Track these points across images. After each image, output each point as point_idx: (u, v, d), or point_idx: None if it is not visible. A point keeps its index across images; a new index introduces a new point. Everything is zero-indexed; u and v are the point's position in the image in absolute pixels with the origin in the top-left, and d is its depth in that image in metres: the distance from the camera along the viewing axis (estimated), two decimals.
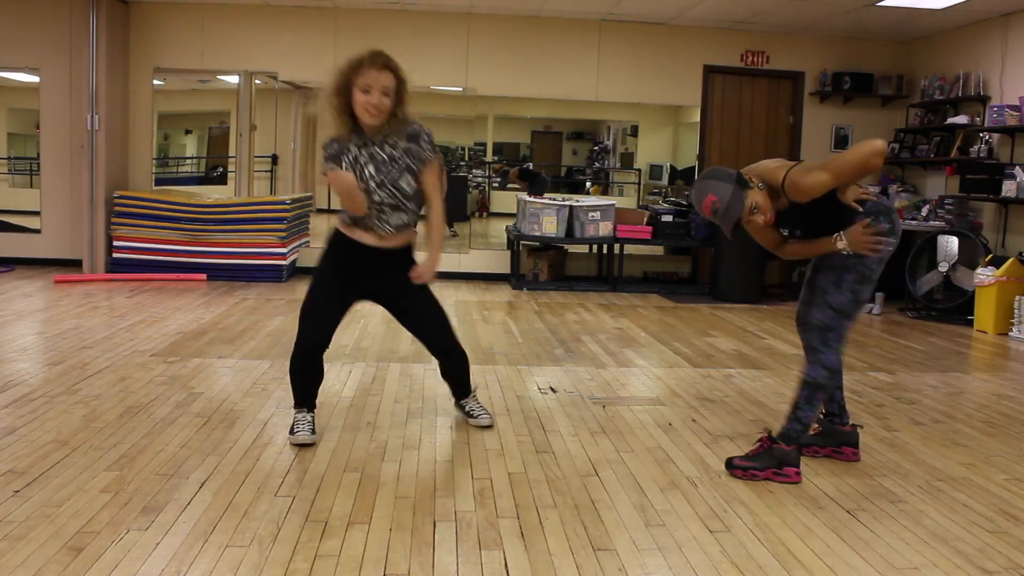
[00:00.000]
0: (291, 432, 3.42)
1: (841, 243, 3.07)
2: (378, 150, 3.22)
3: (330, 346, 3.43)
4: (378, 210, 3.22)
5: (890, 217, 3.09)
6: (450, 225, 9.30)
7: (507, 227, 8.94)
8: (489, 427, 3.71)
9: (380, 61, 3.16)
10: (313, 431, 3.42)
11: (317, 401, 3.61)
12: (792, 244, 3.32)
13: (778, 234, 3.32)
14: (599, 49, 8.68)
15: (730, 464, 3.17)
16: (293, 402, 3.49)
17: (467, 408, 3.78)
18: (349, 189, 3.08)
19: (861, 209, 3.06)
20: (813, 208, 3.08)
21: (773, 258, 7.74)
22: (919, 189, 8.59)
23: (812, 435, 3.44)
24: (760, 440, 3.20)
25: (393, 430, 3.60)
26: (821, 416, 3.43)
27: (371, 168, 3.20)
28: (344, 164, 3.20)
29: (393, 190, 3.21)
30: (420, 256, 3.43)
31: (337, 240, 3.36)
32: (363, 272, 3.34)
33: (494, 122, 9.57)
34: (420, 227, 3.42)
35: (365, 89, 3.14)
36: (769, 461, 3.14)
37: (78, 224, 8.17)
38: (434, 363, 4.81)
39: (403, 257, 3.38)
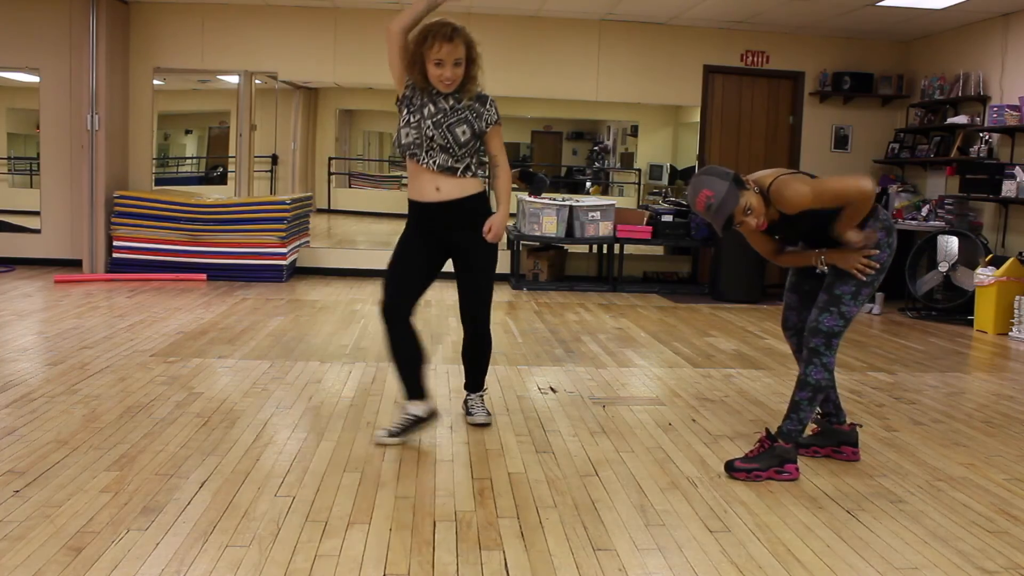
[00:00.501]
0: (389, 434, 3.42)
1: (820, 263, 3.14)
2: (442, 100, 3.42)
3: (414, 310, 3.49)
4: (428, 146, 3.37)
5: (889, 236, 3.13)
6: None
7: (507, 227, 8.93)
8: (484, 425, 3.70)
9: (447, 32, 3.36)
10: (422, 420, 3.44)
11: (319, 400, 3.63)
12: (787, 254, 3.33)
13: (774, 242, 3.33)
14: (599, 49, 8.68)
15: (731, 467, 3.17)
16: (404, 394, 3.50)
17: (469, 404, 3.79)
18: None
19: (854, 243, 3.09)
20: (809, 222, 3.10)
21: None
22: (919, 189, 8.59)
23: (811, 436, 3.45)
24: (760, 440, 3.20)
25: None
26: (818, 417, 3.44)
27: (431, 107, 3.40)
28: (410, 106, 3.43)
29: (447, 132, 3.37)
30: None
31: (409, 208, 3.53)
32: (432, 228, 3.47)
33: None
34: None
35: (438, 63, 3.34)
36: (771, 461, 3.14)
37: (78, 224, 8.17)
38: (434, 363, 4.83)
39: (465, 211, 3.47)
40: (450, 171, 3.40)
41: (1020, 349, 6.03)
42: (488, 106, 3.49)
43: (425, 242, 3.49)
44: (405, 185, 9.96)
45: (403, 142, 3.41)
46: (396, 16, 3.46)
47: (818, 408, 3.39)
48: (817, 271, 3.21)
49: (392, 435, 3.41)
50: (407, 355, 3.48)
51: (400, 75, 3.48)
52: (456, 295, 3.61)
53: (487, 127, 3.47)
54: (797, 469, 3.18)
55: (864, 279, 3.09)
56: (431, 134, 3.36)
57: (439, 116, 3.38)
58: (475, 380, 3.78)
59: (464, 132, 3.40)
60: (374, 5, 8.25)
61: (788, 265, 3.40)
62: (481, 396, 3.81)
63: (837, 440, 3.42)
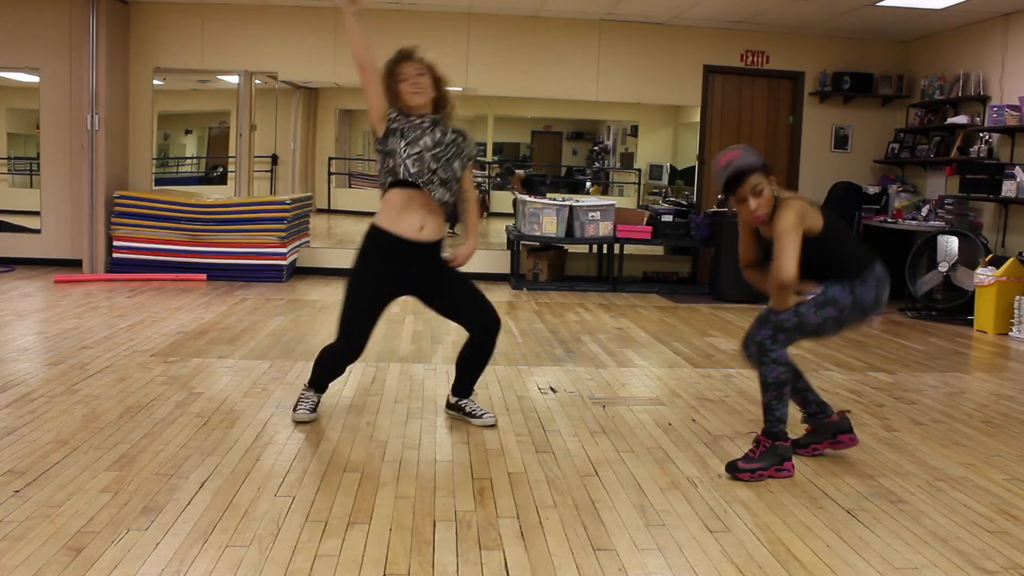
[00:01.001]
0: (293, 409, 3.71)
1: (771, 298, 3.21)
2: (432, 132, 3.41)
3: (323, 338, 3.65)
4: (429, 179, 3.36)
5: (853, 294, 3.15)
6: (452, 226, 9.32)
7: (507, 227, 8.94)
8: (493, 426, 3.71)
9: (405, 53, 3.44)
10: (314, 411, 3.71)
11: (321, 398, 3.80)
12: (756, 270, 3.37)
13: (755, 251, 3.36)
14: (599, 49, 8.69)
15: (734, 468, 3.16)
16: (308, 381, 3.75)
17: (467, 409, 3.78)
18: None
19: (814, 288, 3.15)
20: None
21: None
22: (919, 189, 8.59)
23: (807, 436, 3.45)
24: (759, 440, 3.20)
25: (393, 430, 3.60)
26: (807, 417, 3.45)
27: (428, 140, 3.38)
28: (404, 136, 3.38)
29: (447, 166, 3.40)
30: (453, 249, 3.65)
31: (377, 239, 3.44)
32: (405, 270, 3.45)
33: (494, 122, 9.57)
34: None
35: (403, 79, 3.39)
36: (773, 460, 3.15)
37: (78, 224, 8.17)
38: (434, 363, 4.83)
39: (436, 250, 3.52)
40: (446, 205, 3.44)
41: (1020, 349, 6.02)
42: (468, 140, 3.53)
43: (394, 281, 3.48)
44: None
45: (412, 171, 3.35)
46: (351, 45, 3.40)
47: (803, 409, 3.40)
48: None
49: (312, 413, 3.68)
50: (341, 374, 3.77)
51: (380, 106, 3.41)
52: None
53: (468, 163, 3.52)
54: (793, 466, 3.21)
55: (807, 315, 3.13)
56: (434, 167, 3.36)
57: (437, 150, 3.39)
58: (469, 384, 3.79)
59: (459, 167, 3.45)
60: (374, 5, 8.25)
61: (750, 280, 3.43)
62: (472, 400, 3.81)
63: (832, 432, 3.43)
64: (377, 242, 3.42)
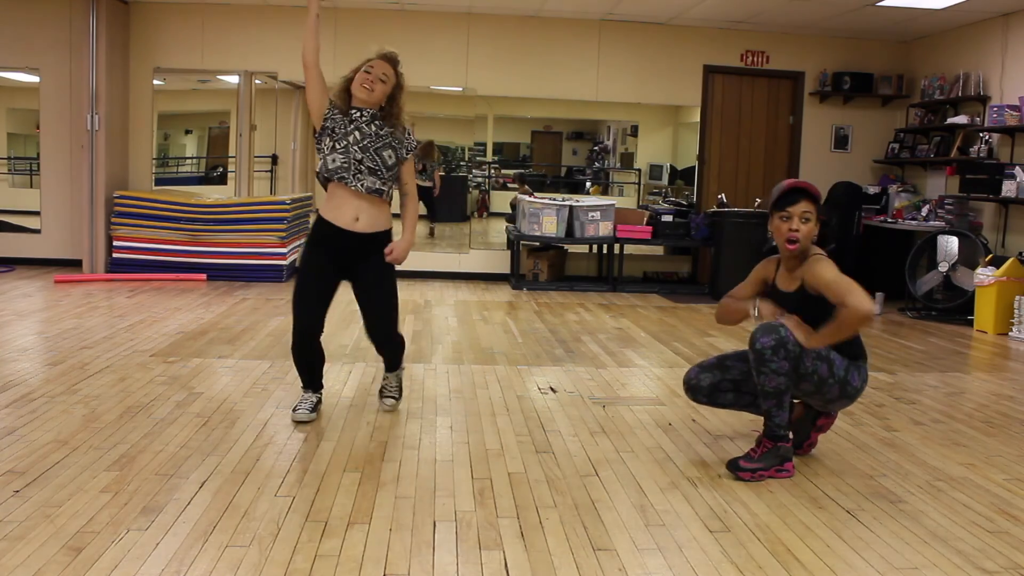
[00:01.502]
0: (293, 410, 3.73)
1: (754, 309, 3.33)
2: (365, 125, 3.55)
3: (324, 332, 3.72)
4: (356, 169, 3.50)
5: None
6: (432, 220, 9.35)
7: (507, 227, 8.94)
8: (389, 411, 3.87)
9: (383, 52, 3.60)
10: (313, 411, 3.72)
11: (323, 394, 3.81)
12: (734, 303, 3.46)
13: (751, 297, 3.43)
14: (599, 49, 8.68)
15: (735, 467, 3.16)
16: (301, 385, 3.81)
17: (383, 385, 3.95)
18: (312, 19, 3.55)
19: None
20: (811, 307, 3.17)
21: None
22: (919, 189, 8.59)
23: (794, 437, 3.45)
24: (760, 441, 3.20)
25: (393, 430, 3.60)
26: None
27: (356, 135, 3.53)
28: (333, 135, 3.53)
29: (375, 155, 3.52)
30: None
31: (316, 227, 3.64)
32: (341, 254, 3.59)
33: (494, 122, 9.56)
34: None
35: (367, 70, 3.53)
36: (774, 460, 3.14)
37: (78, 224, 8.17)
38: (434, 363, 4.85)
39: (375, 243, 3.60)
40: (376, 193, 3.53)
41: (1020, 349, 6.02)
42: (408, 135, 3.64)
43: (333, 264, 3.60)
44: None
45: (330, 167, 3.50)
46: (306, 41, 3.59)
47: None
48: (753, 314, 3.34)
49: (311, 413, 3.69)
50: (315, 362, 3.79)
51: (319, 105, 3.58)
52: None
53: (407, 155, 3.61)
54: (793, 467, 3.21)
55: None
56: (359, 157, 3.50)
57: (365, 141, 3.52)
58: (390, 365, 3.94)
59: (390, 156, 3.55)
60: (374, 5, 8.26)
61: (723, 314, 3.49)
62: (397, 375, 3.96)
63: (811, 421, 3.42)
64: (316, 229, 3.63)
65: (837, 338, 3.09)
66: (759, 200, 8.33)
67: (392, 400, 3.93)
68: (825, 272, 3.11)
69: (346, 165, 3.49)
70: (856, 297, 3.00)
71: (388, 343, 3.82)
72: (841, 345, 3.18)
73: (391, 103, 3.57)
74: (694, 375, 3.43)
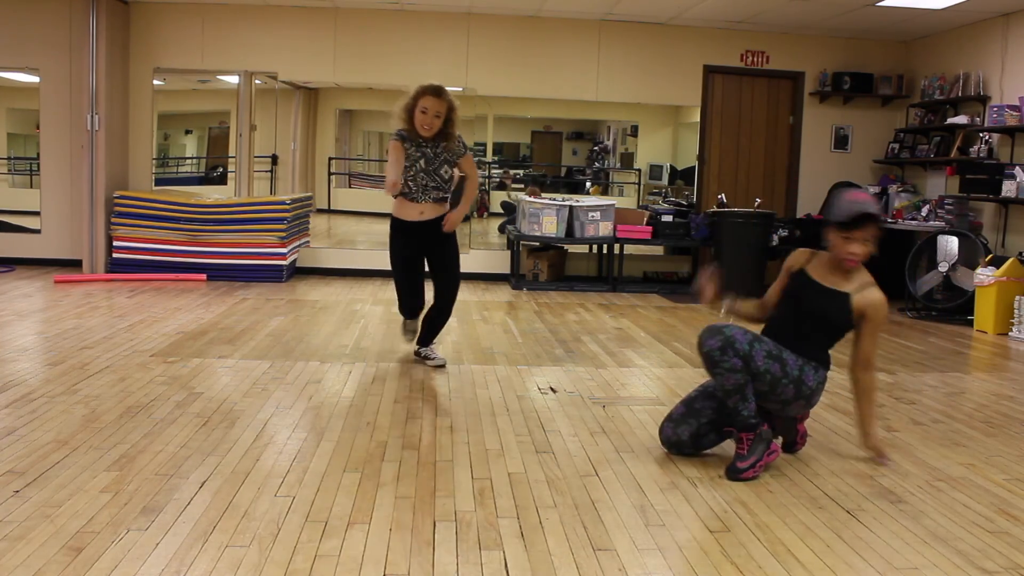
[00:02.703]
0: (426, 358, 4.82)
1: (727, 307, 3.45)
2: (429, 150, 4.51)
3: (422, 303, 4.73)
4: (423, 190, 4.53)
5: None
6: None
7: (508, 228, 8.94)
8: (442, 366, 4.73)
9: (436, 89, 4.42)
10: (412, 337, 4.95)
11: (319, 400, 3.87)
12: (744, 307, 3.53)
13: (761, 309, 3.50)
14: (599, 49, 8.68)
15: (736, 473, 3.12)
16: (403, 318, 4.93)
17: (423, 354, 4.83)
18: (398, 164, 4.44)
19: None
20: (827, 322, 3.27)
21: (773, 258, 7.76)
22: (919, 189, 8.59)
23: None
24: (740, 438, 3.18)
25: (393, 430, 3.60)
26: None
27: (422, 162, 4.50)
28: (406, 147, 4.46)
29: (435, 175, 4.54)
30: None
31: (396, 223, 4.63)
32: (417, 239, 4.61)
33: (494, 122, 9.57)
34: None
35: (423, 111, 4.37)
36: (761, 446, 3.17)
37: (78, 224, 8.17)
38: (434, 363, 4.84)
39: (438, 226, 4.61)
40: (439, 201, 4.59)
41: (1020, 349, 6.02)
42: (459, 142, 4.57)
43: (413, 249, 4.65)
44: None
45: (403, 192, 4.52)
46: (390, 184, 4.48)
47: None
48: (722, 312, 3.45)
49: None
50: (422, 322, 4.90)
51: (400, 158, 4.51)
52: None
53: (458, 157, 4.59)
54: (779, 446, 3.28)
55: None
56: (425, 181, 4.52)
57: (430, 166, 4.50)
58: (429, 339, 4.87)
59: (447, 171, 4.57)
60: (374, 5, 8.26)
61: (738, 308, 3.51)
62: (432, 348, 4.85)
63: (792, 418, 3.43)
64: (394, 226, 4.66)
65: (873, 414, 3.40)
66: (759, 200, 8.33)
67: (442, 360, 4.80)
68: (881, 318, 3.24)
69: (415, 189, 4.50)
70: (873, 359, 3.31)
71: (446, 314, 4.79)
72: (812, 351, 3.23)
73: (447, 125, 4.46)
74: (670, 432, 3.34)
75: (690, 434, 3.32)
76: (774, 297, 3.45)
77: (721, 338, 3.09)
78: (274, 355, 4.91)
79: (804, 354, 3.22)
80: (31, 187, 8.62)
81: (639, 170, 9.95)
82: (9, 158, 8.89)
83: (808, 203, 8.76)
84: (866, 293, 3.23)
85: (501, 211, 9.80)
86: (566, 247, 8.68)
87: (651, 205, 9.13)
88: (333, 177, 10.58)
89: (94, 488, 2.82)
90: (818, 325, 3.26)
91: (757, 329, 3.34)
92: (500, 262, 8.73)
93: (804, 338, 3.26)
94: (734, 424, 3.20)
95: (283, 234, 7.87)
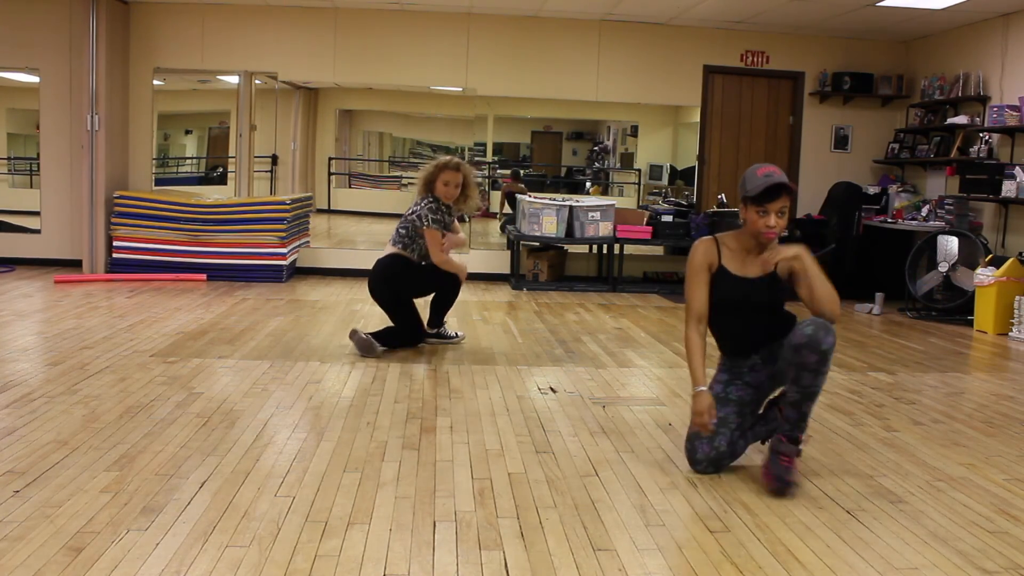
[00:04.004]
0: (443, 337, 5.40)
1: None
2: (447, 216, 5.23)
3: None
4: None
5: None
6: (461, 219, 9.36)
7: (508, 228, 8.93)
8: (463, 338, 5.43)
9: (455, 165, 5.17)
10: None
11: (319, 400, 3.86)
12: (700, 333, 3.23)
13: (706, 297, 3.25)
14: (599, 49, 8.69)
15: (785, 488, 3.00)
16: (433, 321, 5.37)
17: (442, 333, 5.35)
18: (457, 244, 5.32)
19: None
20: (777, 293, 3.18)
21: None
22: (919, 189, 8.59)
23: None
24: (792, 450, 3.04)
25: (393, 430, 3.60)
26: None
27: (447, 218, 5.21)
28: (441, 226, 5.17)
29: (450, 227, 5.26)
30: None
31: (406, 263, 5.16)
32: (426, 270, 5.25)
33: (494, 122, 9.57)
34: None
35: (445, 183, 5.14)
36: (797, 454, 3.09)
37: (78, 224, 8.18)
38: (434, 363, 4.85)
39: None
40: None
41: (1020, 349, 6.02)
42: (456, 206, 5.29)
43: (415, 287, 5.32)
44: (405, 185, 9.99)
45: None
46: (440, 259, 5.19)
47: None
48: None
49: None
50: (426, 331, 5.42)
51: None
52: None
53: (457, 213, 5.39)
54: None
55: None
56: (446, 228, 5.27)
57: (449, 226, 5.25)
58: (438, 319, 5.35)
59: (453, 218, 5.33)
60: (374, 5, 8.26)
61: (693, 345, 3.19)
62: (444, 325, 5.38)
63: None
64: (410, 264, 5.20)
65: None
66: None
67: (461, 335, 5.48)
68: (813, 264, 3.05)
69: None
70: (831, 291, 3.04)
71: (454, 294, 5.33)
72: (784, 329, 3.13)
73: (465, 189, 5.20)
74: (708, 449, 3.15)
75: (727, 443, 3.17)
76: (704, 303, 3.21)
77: (834, 338, 2.95)
78: (274, 355, 4.91)
79: (781, 328, 3.16)
80: (31, 187, 8.62)
81: (639, 170, 9.95)
82: (9, 158, 8.89)
83: (808, 203, 8.75)
84: (783, 254, 3.05)
85: (499, 208, 9.81)
86: (566, 247, 8.68)
87: (651, 205, 9.13)
88: (333, 177, 10.58)
89: (94, 488, 2.82)
90: (775, 308, 3.21)
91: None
92: (500, 262, 8.73)
93: (774, 327, 3.18)
94: (791, 431, 3.04)
95: (283, 234, 7.87)
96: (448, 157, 5.31)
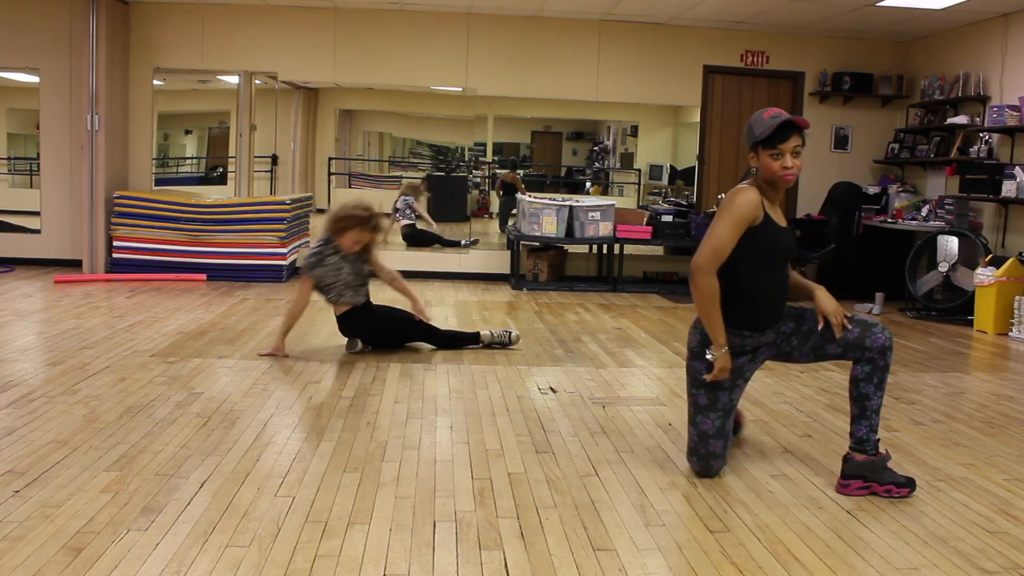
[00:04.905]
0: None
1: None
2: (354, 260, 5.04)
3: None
4: (354, 290, 5.06)
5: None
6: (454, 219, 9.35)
7: (508, 228, 8.93)
8: (517, 338, 5.36)
9: (375, 226, 5.01)
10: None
11: (319, 400, 3.84)
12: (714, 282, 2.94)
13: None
14: (599, 49, 8.68)
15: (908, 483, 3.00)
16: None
17: (489, 342, 5.28)
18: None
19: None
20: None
21: None
22: (919, 189, 8.59)
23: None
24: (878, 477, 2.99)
25: (393, 430, 3.60)
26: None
27: (348, 267, 5.01)
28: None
29: (360, 275, 5.10)
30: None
31: (361, 312, 5.13)
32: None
33: (494, 122, 9.57)
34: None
35: (356, 241, 4.93)
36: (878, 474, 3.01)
37: (78, 224, 8.17)
38: (434, 363, 4.85)
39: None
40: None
41: (1020, 349, 6.02)
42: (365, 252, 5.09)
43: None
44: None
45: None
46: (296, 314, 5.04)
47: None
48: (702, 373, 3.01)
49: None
50: None
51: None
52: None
53: (367, 259, 5.11)
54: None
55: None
56: (350, 280, 5.03)
57: (353, 271, 5.03)
58: (463, 344, 5.31)
59: (364, 268, 5.08)
60: (374, 5, 8.26)
61: (710, 293, 2.91)
62: (490, 335, 5.34)
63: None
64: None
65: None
66: None
67: (506, 334, 5.38)
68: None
69: (336, 285, 5.05)
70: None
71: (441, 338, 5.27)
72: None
73: (366, 249, 5.03)
74: (721, 448, 3.08)
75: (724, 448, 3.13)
76: (729, 255, 2.92)
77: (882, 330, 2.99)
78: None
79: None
80: (31, 187, 8.62)
81: (639, 170, 9.95)
82: (9, 158, 8.89)
83: (808, 203, 8.75)
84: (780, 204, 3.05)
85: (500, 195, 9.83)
86: (566, 247, 8.68)
87: (651, 205, 9.13)
88: (333, 177, 10.58)
89: (94, 488, 2.82)
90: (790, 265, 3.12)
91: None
92: (500, 262, 8.73)
93: (787, 287, 3.12)
94: (867, 433, 2.99)
95: (283, 234, 7.87)
96: (370, 214, 4.93)
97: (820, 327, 3.05)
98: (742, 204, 2.91)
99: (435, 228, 9.28)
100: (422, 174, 10.04)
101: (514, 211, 9.09)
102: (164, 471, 3.00)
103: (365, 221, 4.89)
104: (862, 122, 8.98)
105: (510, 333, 5.35)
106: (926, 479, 3.22)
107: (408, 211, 9.21)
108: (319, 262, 4.91)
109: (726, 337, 2.96)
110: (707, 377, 3.00)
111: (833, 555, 2.53)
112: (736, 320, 2.99)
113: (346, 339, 5.14)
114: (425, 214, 9.32)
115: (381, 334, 5.17)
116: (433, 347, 5.23)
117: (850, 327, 3.02)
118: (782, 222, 3.10)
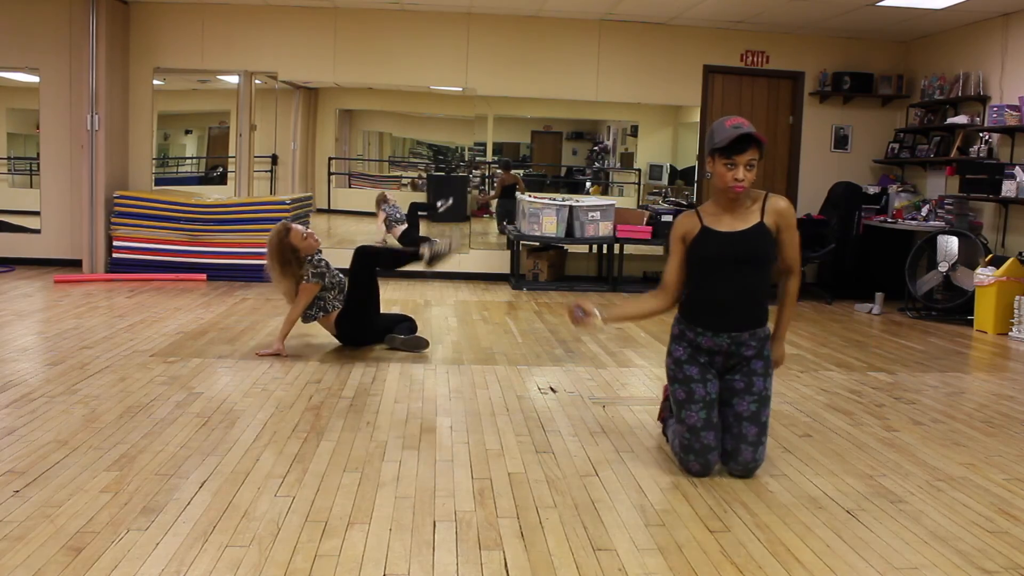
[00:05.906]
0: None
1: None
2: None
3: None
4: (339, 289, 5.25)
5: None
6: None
7: (508, 228, 8.93)
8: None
9: (286, 225, 5.16)
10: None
11: (319, 400, 3.83)
12: (651, 299, 3.28)
13: (660, 299, 3.26)
14: (599, 49, 8.68)
15: None
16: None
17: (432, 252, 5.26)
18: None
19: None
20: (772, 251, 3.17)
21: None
22: (919, 189, 8.59)
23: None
24: None
25: (393, 430, 3.60)
26: None
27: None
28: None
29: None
30: None
31: (357, 318, 5.22)
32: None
33: (494, 122, 9.56)
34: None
35: (303, 236, 5.09)
36: None
37: (78, 224, 8.17)
38: (434, 363, 4.85)
39: None
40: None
41: (1020, 349, 6.02)
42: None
43: None
44: (405, 185, 9.98)
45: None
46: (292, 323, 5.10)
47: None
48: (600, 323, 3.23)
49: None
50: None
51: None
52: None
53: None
54: None
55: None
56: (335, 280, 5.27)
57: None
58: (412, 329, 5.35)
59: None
60: (374, 5, 8.26)
61: (624, 312, 3.43)
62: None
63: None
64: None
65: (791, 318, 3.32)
66: None
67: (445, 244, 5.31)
68: (793, 216, 3.16)
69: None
70: (799, 274, 3.26)
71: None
72: (762, 300, 3.14)
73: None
74: (713, 439, 3.12)
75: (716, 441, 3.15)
76: (677, 275, 3.19)
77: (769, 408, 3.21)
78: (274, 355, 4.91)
79: (759, 311, 3.13)
80: (31, 187, 8.62)
81: (639, 170, 9.95)
82: (9, 158, 8.89)
83: (808, 203, 8.75)
84: (770, 207, 3.08)
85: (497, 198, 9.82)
86: (566, 247, 8.68)
87: (651, 205, 9.13)
88: (333, 177, 10.58)
89: (94, 488, 2.82)
90: (757, 268, 3.10)
91: (647, 324, 3.39)
92: (500, 262, 8.73)
93: (751, 292, 3.09)
94: None
95: None
96: (280, 223, 5.21)
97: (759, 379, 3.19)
98: (673, 228, 3.23)
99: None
100: (421, 174, 10.04)
101: (510, 215, 9.09)
102: (164, 471, 3.00)
103: (284, 227, 5.09)
104: (862, 122, 8.98)
105: (450, 242, 5.36)
106: (926, 479, 3.22)
107: (398, 215, 9.19)
108: (327, 268, 5.15)
109: (631, 323, 3.50)
110: (567, 313, 3.35)
111: (833, 555, 2.53)
112: (691, 317, 3.20)
113: (342, 343, 5.19)
114: (382, 223, 9.23)
115: (369, 315, 5.28)
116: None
117: (752, 412, 3.12)
118: (740, 226, 3.10)
